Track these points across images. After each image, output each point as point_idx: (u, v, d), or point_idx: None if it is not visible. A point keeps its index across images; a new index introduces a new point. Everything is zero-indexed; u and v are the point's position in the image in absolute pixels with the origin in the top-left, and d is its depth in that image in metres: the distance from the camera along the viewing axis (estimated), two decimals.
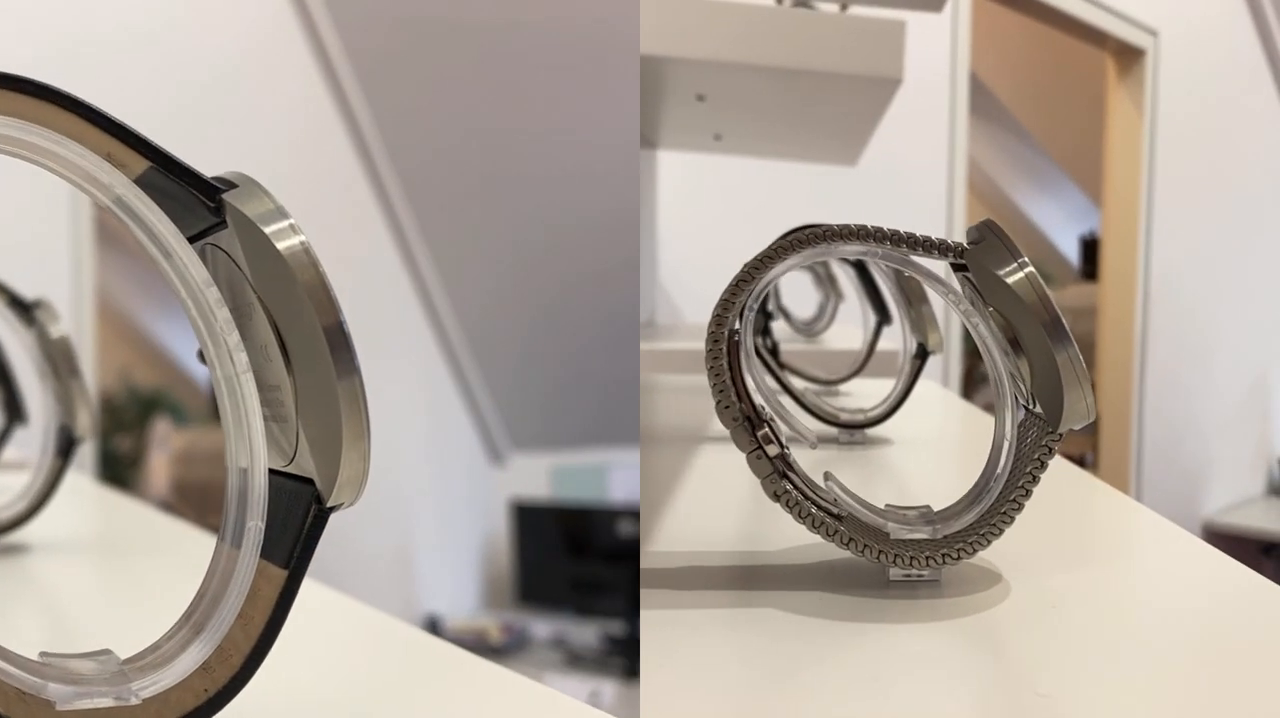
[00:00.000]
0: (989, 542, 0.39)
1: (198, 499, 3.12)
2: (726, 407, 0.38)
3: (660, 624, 0.38)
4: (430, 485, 2.87)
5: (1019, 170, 4.20)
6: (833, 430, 0.77)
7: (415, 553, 2.80)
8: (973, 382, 3.47)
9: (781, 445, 0.39)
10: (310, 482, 0.25)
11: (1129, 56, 3.29)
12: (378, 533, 2.53)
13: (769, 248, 0.37)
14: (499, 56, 2.56)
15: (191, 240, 0.25)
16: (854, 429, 0.78)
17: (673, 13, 1.23)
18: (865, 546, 0.38)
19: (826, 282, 1.92)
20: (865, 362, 1.00)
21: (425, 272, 2.84)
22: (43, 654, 0.24)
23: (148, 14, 2.05)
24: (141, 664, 0.25)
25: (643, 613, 0.39)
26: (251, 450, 0.25)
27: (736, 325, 0.38)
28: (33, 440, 0.52)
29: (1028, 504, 0.39)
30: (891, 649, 0.35)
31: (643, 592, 0.41)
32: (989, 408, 0.59)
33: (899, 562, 0.38)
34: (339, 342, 0.24)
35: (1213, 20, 3.47)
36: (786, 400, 0.76)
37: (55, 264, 1.86)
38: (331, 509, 0.25)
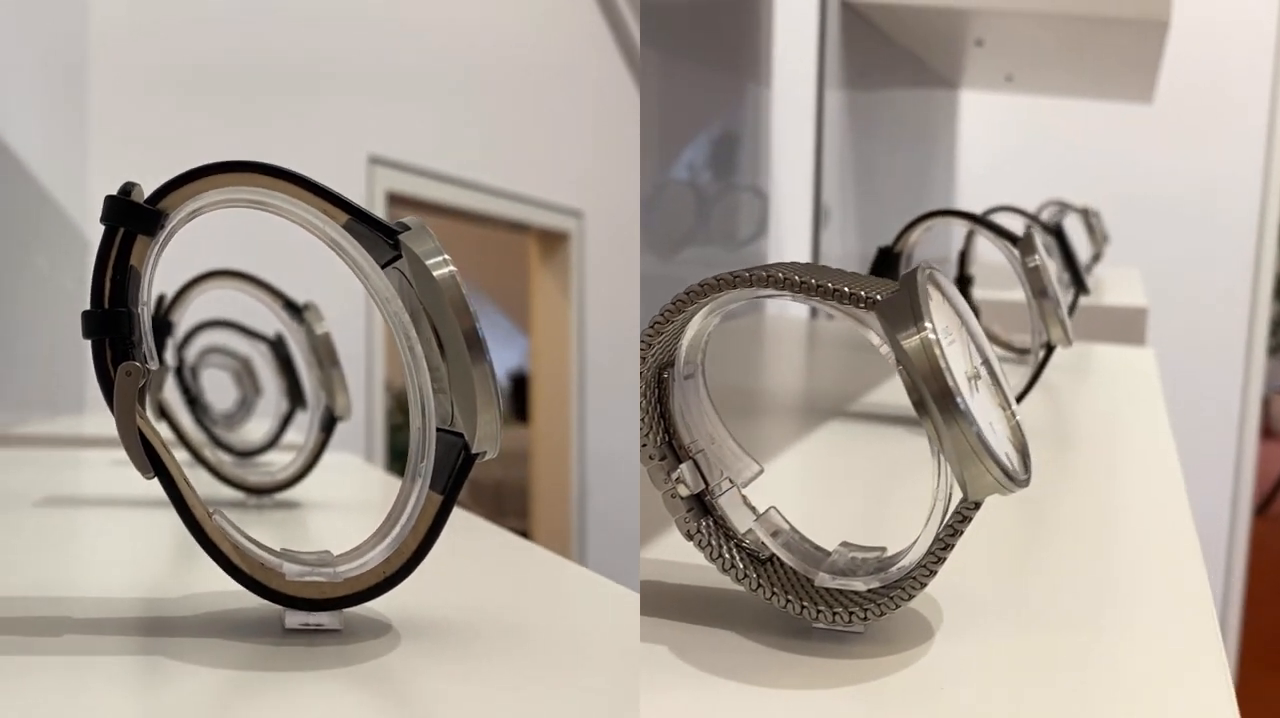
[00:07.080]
0: (897, 605, 0.35)
1: (490, 498, 3.22)
2: (644, 446, 0.38)
3: None
4: None
5: None
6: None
7: None
8: None
9: (706, 482, 0.38)
10: (462, 435, 0.36)
11: None
12: None
13: (674, 299, 0.36)
14: None
15: (384, 266, 0.36)
16: None
17: None
18: (773, 594, 0.36)
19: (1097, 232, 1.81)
20: None
21: None
22: (283, 548, 0.37)
23: (461, 11, 2.16)
24: (346, 557, 0.37)
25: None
26: (424, 414, 0.37)
27: (674, 364, 0.38)
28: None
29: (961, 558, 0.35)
30: None
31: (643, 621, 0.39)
32: None
33: (806, 613, 0.36)
34: (474, 339, 0.35)
35: None
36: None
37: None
38: (476, 456, 0.36)
